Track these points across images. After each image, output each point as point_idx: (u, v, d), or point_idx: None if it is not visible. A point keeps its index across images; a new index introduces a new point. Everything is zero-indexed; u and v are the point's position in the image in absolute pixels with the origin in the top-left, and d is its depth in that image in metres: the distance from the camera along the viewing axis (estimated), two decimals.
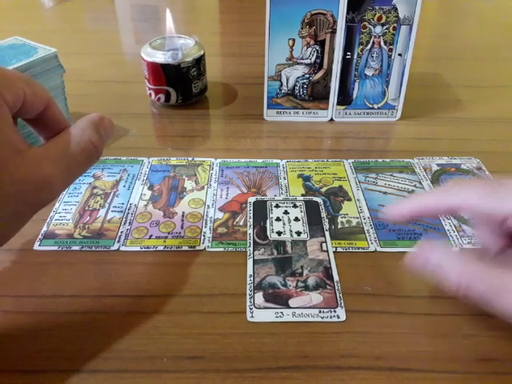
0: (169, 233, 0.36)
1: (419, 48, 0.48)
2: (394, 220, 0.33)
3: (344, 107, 0.50)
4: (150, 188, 0.40)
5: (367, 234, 0.36)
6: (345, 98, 0.50)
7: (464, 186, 0.29)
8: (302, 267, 0.33)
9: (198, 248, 0.34)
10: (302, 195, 0.40)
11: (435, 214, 0.35)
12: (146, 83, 0.52)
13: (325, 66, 0.48)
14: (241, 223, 0.37)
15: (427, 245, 0.27)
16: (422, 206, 0.29)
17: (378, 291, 0.31)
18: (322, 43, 0.46)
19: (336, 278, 0.32)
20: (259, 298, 0.30)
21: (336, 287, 0.31)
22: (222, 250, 0.34)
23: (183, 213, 0.38)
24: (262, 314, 0.29)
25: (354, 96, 0.49)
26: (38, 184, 0.24)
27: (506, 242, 0.28)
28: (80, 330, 0.29)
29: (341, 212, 0.38)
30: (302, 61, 0.48)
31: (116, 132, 0.48)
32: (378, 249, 0.34)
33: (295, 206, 0.38)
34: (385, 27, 0.46)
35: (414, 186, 0.41)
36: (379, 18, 0.45)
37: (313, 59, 0.47)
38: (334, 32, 0.46)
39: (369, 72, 0.48)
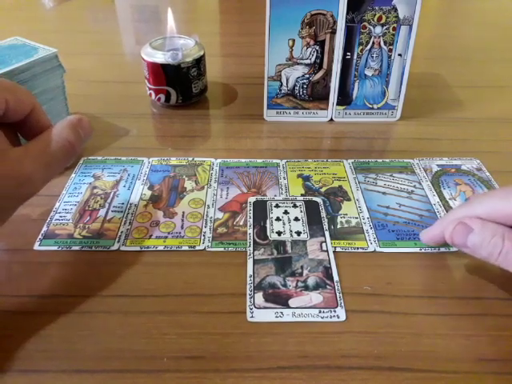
0: (169, 233, 0.36)
1: (419, 48, 0.48)
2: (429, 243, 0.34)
3: (344, 107, 0.50)
4: (150, 188, 0.40)
5: (366, 234, 0.36)
6: (344, 98, 0.50)
7: (483, 196, 0.31)
8: (301, 267, 0.33)
9: (197, 248, 0.34)
10: (302, 195, 0.40)
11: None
12: (146, 83, 0.52)
13: (325, 66, 0.48)
14: (241, 223, 0.37)
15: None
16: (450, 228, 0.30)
17: (378, 291, 0.31)
18: (321, 43, 0.46)
19: (336, 277, 0.32)
20: (259, 298, 0.30)
21: (336, 287, 0.31)
22: (222, 249, 0.34)
23: (183, 213, 0.38)
24: (262, 313, 0.29)
25: (354, 96, 0.49)
26: (20, 180, 0.27)
27: None
28: (80, 330, 0.29)
29: (340, 212, 0.38)
30: (301, 61, 0.48)
31: (116, 132, 0.49)
32: (378, 249, 0.34)
33: (295, 206, 0.38)
34: (385, 27, 0.46)
35: (414, 186, 0.41)
36: (379, 19, 0.45)
37: (313, 59, 0.47)
38: (333, 32, 0.46)
39: (369, 72, 0.48)
